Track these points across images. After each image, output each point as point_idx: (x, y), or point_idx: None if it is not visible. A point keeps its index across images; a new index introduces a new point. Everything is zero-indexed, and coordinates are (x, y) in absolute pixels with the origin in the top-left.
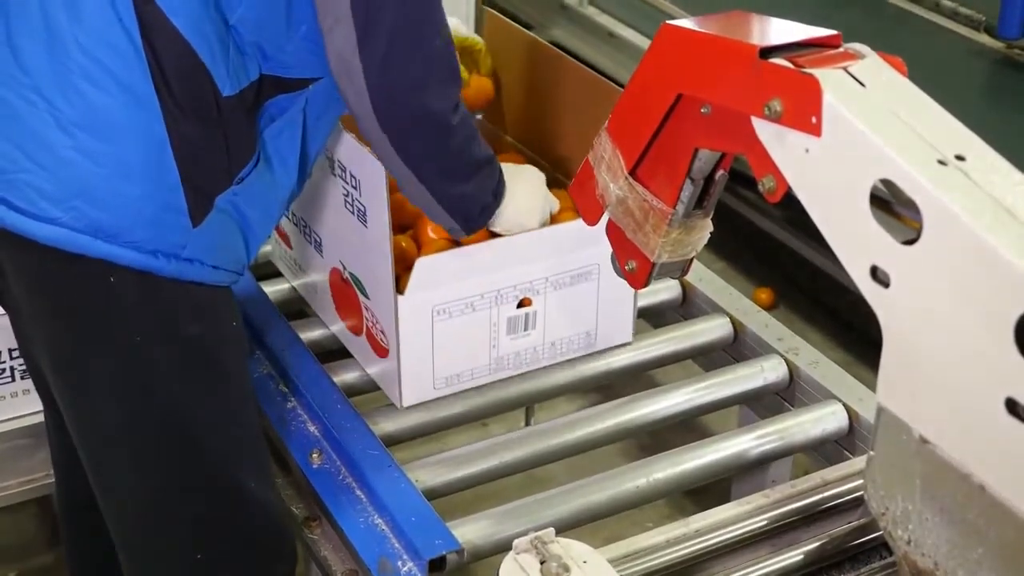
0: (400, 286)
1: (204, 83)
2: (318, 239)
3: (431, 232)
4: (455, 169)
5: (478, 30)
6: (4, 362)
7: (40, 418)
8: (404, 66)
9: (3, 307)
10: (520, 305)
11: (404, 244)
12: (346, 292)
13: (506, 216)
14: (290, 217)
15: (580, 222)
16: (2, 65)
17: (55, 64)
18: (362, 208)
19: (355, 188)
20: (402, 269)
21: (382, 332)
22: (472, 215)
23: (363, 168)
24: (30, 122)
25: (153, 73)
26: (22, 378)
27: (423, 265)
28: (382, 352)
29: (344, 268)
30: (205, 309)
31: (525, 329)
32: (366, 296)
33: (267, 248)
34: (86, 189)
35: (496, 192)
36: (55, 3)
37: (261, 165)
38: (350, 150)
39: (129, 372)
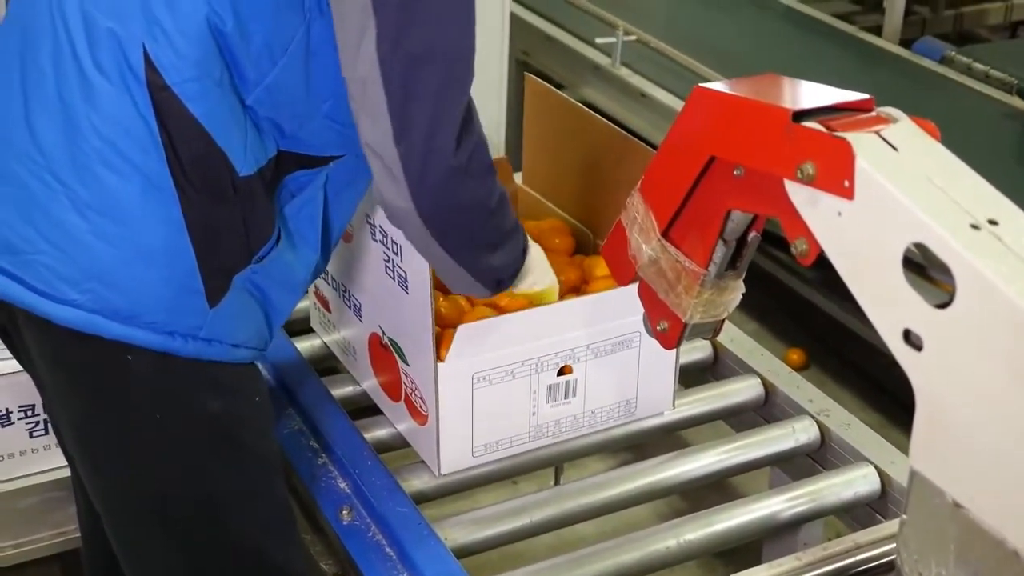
0: (440, 351)
1: (220, 165)
2: (357, 304)
3: (470, 299)
4: (491, 244)
5: (513, 93)
6: (37, 415)
7: None
8: (443, 157)
9: (28, 372)
10: (560, 373)
11: (443, 310)
12: (385, 357)
13: (527, 280)
14: (329, 282)
15: (620, 290)
16: (20, 145)
17: (71, 147)
18: (403, 274)
19: (396, 254)
20: (441, 336)
21: (421, 399)
22: (505, 279)
23: None
24: (46, 204)
25: (168, 157)
26: None
27: (464, 332)
28: (421, 419)
29: (383, 333)
30: (226, 386)
31: (565, 397)
32: (406, 362)
33: (300, 304)
34: (102, 272)
35: (524, 251)
36: (72, 87)
37: (282, 242)
38: None
39: (149, 449)
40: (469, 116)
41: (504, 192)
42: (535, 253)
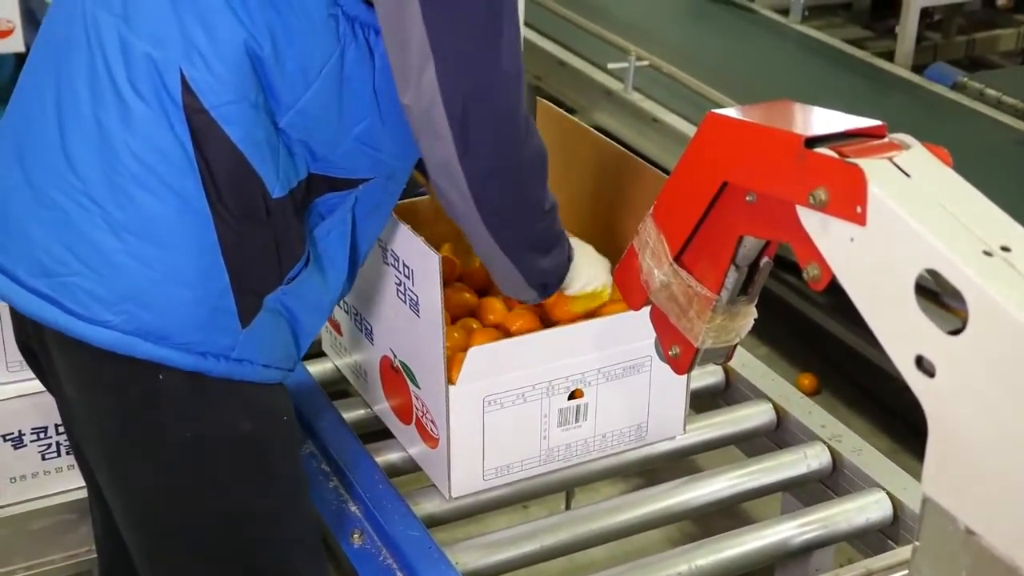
0: (451, 374)
1: (254, 187)
2: (369, 327)
3: (482, 322)
4: (542, 246)
5: None
6: (50, 437)
7: (83, 493)
8: (504, 169)
9: (51, 393)
10: (572, 396)
11: (455, 334)
12: (396, 380)
13: (579, 281)
14: (341, 305)
15: (632, 314)
16: (56, 169)
17: (107, 169)
18: (414, 297)
19: (408, 278)
20: (452, 359)
21: (432, 422)
22: (551, 284)
23: (416, 258)
24: (82, 226)
25: (204, 179)
26: (67, 453)
27: (475, 355)
28: (432, 442)
29: (394, 356)
30: (256, 406)
31: (576, 421)
32: (416, 385)
33: None
34: (137, 293)
35: (569, 259)
36: (108, 110)
37: (311, 264)
38: (404, 239)
39: (179, 469)
40: (530, 121)
41: (555, 200)
42: (581, 257)
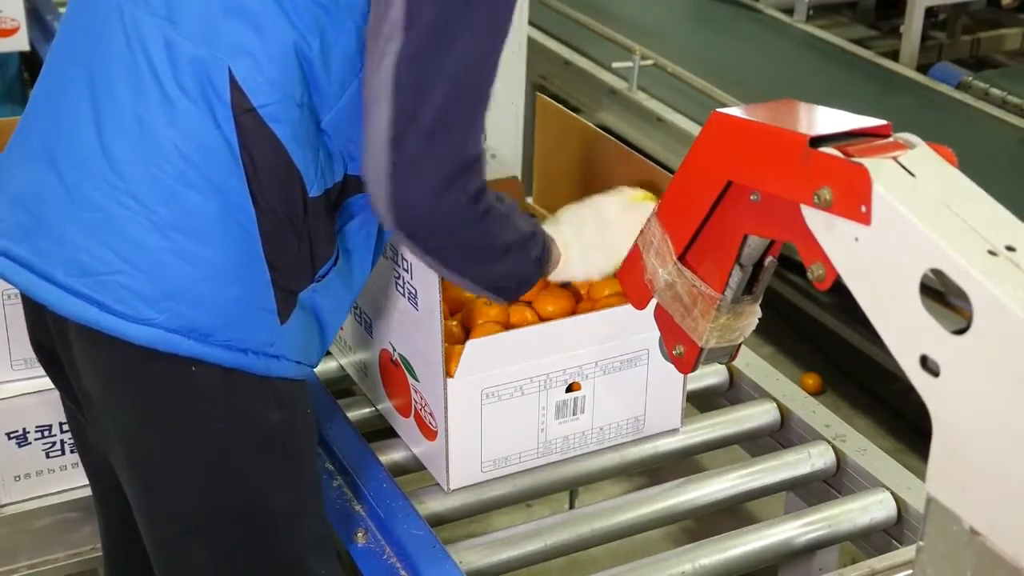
0: (449, 367)
1: (295, 185)
2: (368, 320)
3: (480, 317)
4: (480, 256)
5: (530, 117)
6: (55, 435)
7: (88, 491)
8: (434, 167)
9: (64, 393)
10: (569, 389)
11: (454, 328)
12: (395, 374)
13: (574, 271)
14: None
15: (629, 307)
16: (94, 169)
17: (150, 167)
18: (413, 290)
19: (406, 271)
20: (450, 352)
21: (431, 414)
22: (508, 289)
23: None
24: (125, 225)
25: (249, 177)
26: (72, 451)
27: (473, 347)
28: (430, 434)
29: (393, 350)
30: (284, 400)
31: (574, 414)
32: (415, 378)
33: None
34: (182, 290)
35: (539, 260)
36: (152, 109)
37: (340, 261)
38: None
39: (208, 462)
40: (479, 144)
41: (507, 211)
42: (588, 249)
